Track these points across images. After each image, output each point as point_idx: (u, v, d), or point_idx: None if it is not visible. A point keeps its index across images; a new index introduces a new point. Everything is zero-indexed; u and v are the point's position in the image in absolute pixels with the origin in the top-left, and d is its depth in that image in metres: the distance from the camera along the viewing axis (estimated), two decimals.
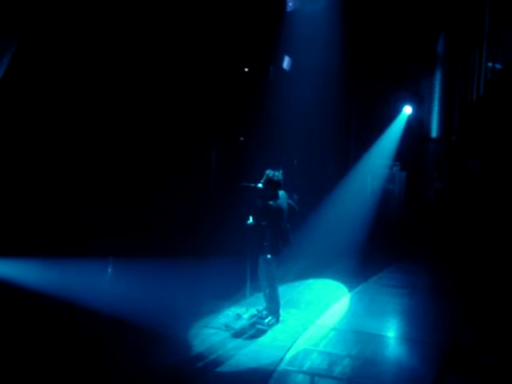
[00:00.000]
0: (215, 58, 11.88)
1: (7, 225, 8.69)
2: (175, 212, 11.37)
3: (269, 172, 7.85)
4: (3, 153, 8.69)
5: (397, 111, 15.45)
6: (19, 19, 8.36)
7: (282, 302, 8.27)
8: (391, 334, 8.19)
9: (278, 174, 7.85)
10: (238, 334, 7.70)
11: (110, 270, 8.95)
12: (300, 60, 13.23)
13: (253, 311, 8.38)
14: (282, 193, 7.99)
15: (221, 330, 7.80)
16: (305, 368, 6.78)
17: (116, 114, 10.44)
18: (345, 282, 10.23)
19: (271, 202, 7.77)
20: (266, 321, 8.03)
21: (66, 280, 8.46)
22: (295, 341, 7.51)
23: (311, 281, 10.37)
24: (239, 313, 8.34)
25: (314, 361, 6.99)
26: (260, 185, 7.90)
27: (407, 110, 15.39)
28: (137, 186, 10.73)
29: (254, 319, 8.17)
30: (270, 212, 7.79)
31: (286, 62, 13.11)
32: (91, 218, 9.80)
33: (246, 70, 12.98)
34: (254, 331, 7.83)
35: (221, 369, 6.68)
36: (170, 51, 11.02)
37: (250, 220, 8.03)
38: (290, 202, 8.17)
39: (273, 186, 7.83)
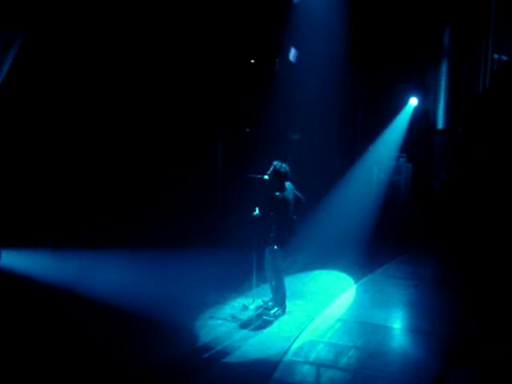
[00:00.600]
0: (221, 49, 11.86)
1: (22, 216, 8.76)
2: (181, 203, 11.39)
3: (276, 163, 7.84)
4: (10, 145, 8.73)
5: (403, 103, 15.40)
6: (26, 11, 8.35)
7: (287, 293, 8.29)
8: (397, 326, 8.21)
9: (285, 166, 7.84)
10: (244, 325, 7.74)
11: (117, 260, 8.98)
12: (306, 52, 13.21)
13: (259, 302, 8.39)
14: (288, 184, 7.99)
15: (227, 321, 7.83)
16: (311, 359, 6.82)
17: (123, 107, 10.45)
18: (351, 274, 10.22)
19: (278, 194, 7.77)
20: (272, 312, 8.06)
21: (74, 270, 8.53)
22: (301, 332, 7.54)
23: (317, 272, 10.36)
24: (245, 304, 8.36)
25: (320, 352, 7.03)
26: (266, 176, 7.91)
27: (413, 101, 15.34)
28: (144, 179, 10.75)
29: (260, 310, 8.19)
30: (277, 203, 7.79)
31: (292, 54, 13.09)
32: (100, 209, 9.83)
33: (253, 61, 12.96)
34: (260, 322, 7.87)
35: (227, 359, 6.72)
36: (177, 43, 11.01)
37: (257, 211, 8.03)
38: (296, 192, 8.17)
39: (280, 177, 7.82)
